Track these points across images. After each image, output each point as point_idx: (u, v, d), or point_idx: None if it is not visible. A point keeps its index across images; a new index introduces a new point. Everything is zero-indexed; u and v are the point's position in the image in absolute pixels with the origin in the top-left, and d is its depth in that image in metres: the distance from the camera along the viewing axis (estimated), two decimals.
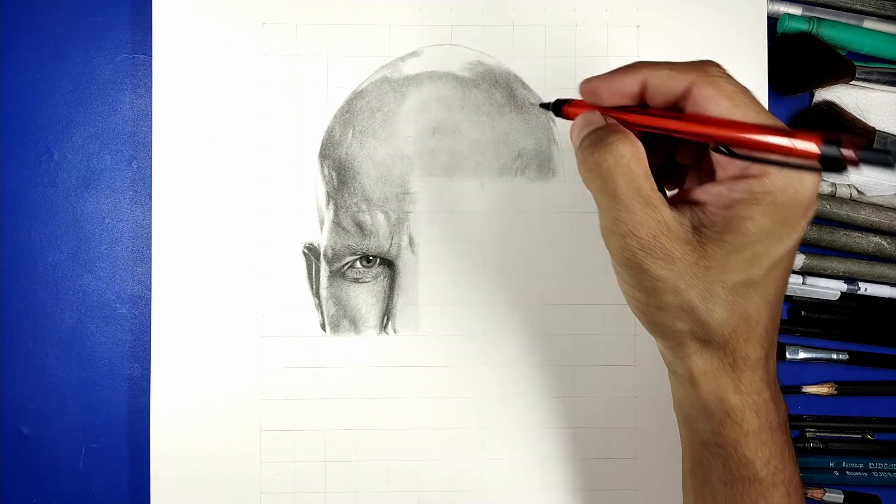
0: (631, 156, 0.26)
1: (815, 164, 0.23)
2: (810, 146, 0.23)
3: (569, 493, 0.42)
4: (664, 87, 0.27)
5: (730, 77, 0.27)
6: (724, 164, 0.27)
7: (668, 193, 0.30)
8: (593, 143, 0.27)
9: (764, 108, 0.26)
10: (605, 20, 0.42)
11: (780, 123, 0.26)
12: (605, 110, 0.29)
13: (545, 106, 0.32)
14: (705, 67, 0.27)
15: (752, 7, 0.43)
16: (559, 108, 0.31)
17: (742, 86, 0.27)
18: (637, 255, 0.26)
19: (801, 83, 0.43)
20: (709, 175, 0.28)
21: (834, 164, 0.22)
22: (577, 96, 0.31)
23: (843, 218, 0.43)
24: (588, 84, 0.29)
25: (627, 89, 0.28)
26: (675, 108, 0.28)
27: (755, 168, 0.25)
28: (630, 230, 0.26)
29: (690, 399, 0.29)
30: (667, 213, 0.26)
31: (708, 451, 0.29)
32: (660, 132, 0.28)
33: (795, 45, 0.42)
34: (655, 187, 0.27)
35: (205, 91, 0.42)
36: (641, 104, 0.29)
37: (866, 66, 0.43)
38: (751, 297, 0.27)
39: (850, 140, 0.22)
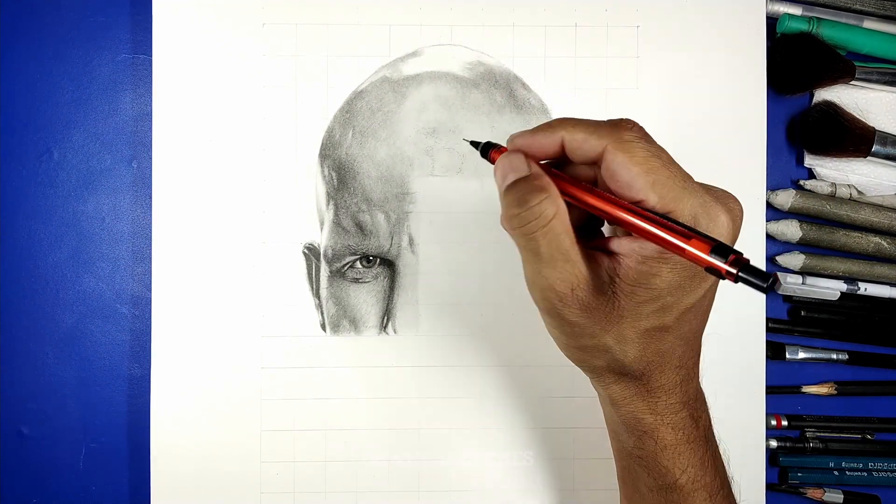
0: (553, 216, 0.27)
1: (702, 265, 0.25)
2: (698, 253, 0.24)
3: (568, 493, 0.42)
4: (580, 150, 0.28)
5: (644, 140, 0.27)
6: None
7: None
8: (518, 201, 0.28)
9: (679, 171, 0.27)
10: (605, 20, 0.42)
11: (679, 184, 0.26)
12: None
13: (474, 144, 0.33)
14: (619, 131, 0.27)
15: (752, 7, 0.43)
16: (487, 151, 0.32)
17: (656, 148, 0.27)
18: (556, 305, 0.28)
19: (800, 83, 0.43)
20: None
21: (715, 272, 0.24)
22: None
23: (843, 218, 0.43)
24: (514, 141, 0.30)
25: (549, 147, 0.29)
26: (594, 165, 0.29)
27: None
28: (550, 284, 0.28)
29: (613, 418, 0.32)
30: (583, 268, 0.28)
31: (633, 462, 0.32)
32: (570, 199, 0.28)
33: (795, 45, 0.42)
34: (575, 241, 0.28)
35: (205, 91, 0.42)
36: (565, 159, 0.30)
37: (866, 66, 0.43)
38: (664, 338, 0.29)
39: (736, 258, 0.23)
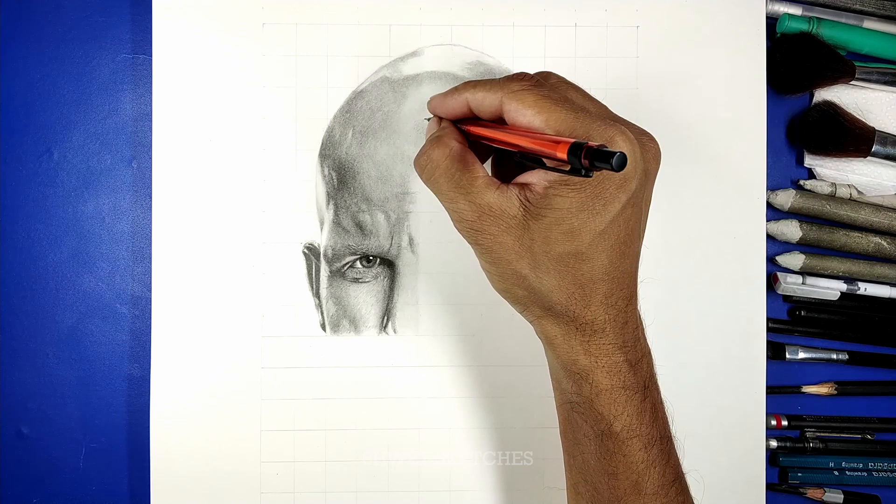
0: (444, 157, 0.31)
1: (566, 166, 0.27)
2: (560, 154, 0.27)
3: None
4: (482, 107, 0.31)
5: (535, 86, 0.30)
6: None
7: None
8: (419, 153, 0.32)
9: (571, 105, 0.29)
10: (605, 20, 0.42)
11: (572, 117, 0.29)
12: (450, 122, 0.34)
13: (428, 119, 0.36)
14: (509, 84, 0.30)
15: (752, 7, 0.43)
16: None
17: (548, 91, 0.30)
18: (471, 234, 0.31)
19: (800, 83, 0.43)
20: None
21: (576, 168, 0.26)
22: None
23: (843, 218, 0.43)
24: (430, 103, 0.35)
25: (458, 108, 0.33)
26: (502, 118, 0.31)
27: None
28: (460, 216, 0.31)
29: (553, 362, 0.33)
30: (490, 196, 0.30)
31: (573, 411, 0.32)
32: (479, 139, 0.32)
33: (795, 45, 0.42)
34: (477, 175, 0.31)
35: (205, 91, 0.42)
36: (475, 117, 0.33)
37: (866, 66, 0.43)
38: (579, 266, 0.30)
39: (588, 148, 0.25)
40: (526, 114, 0.29)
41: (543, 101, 0.29)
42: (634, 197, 0.29)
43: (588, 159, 0.25)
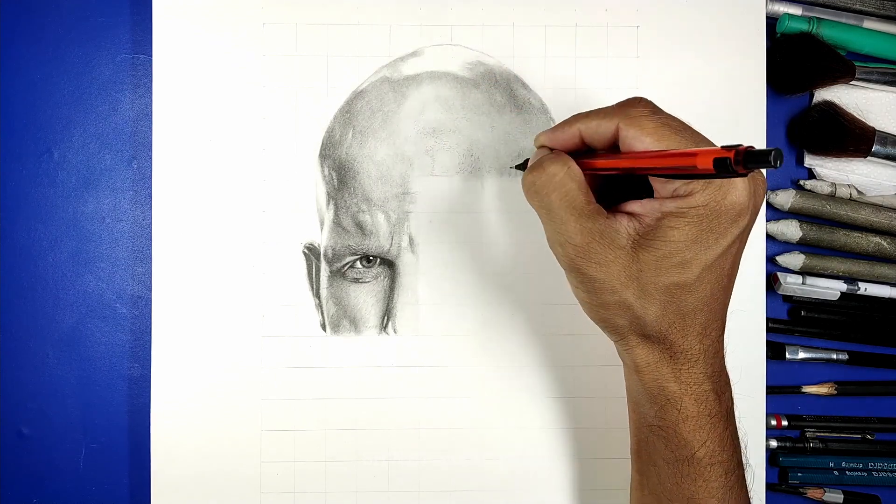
0: (562, 174, 0.30)
1: (713, 173, 0.26)
2: (706, 166, 0.26)
3: (568, 493, 0.42)
4: (597, 135, 0.31)
5: (652, 113, 0.30)
6: (658, 186, 0.30)
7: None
8: (530, 168, 0.32)
9: (689, 131, 0.29)
10: (605, 20, 0.42)
11: (692, 145, 0.28)
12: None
13: (519, 167, 0.37)
14: (627, 109, 0.30)
15: (752, 7, 0.43)
16: (525, 166, 0.35)
17: (666, 119, 0.29)
18: (575, 260, 0.30)
19: (800, 83, 0.43)
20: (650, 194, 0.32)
21: (729, 173, 0.25)
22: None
23: (843, 218, 0.43)
24: (538, 139, 0.34)
25: (569, 141, 0.32)
26: (616, 147, 0.31)
27: (684, 189, 0.29)
28: (566, 239, 0.30)
29: (637, 386, 0.32)
30: (601, 222, 0.30)
31: (652, 434, 0.32)
32: (597, 171, 0.32)
33: (795, 45, 0.42)
34: (590, 199, 0.30)
35: (205, 91, 0.42)
36: (587, 149, 0.32)
37: (866, 66, 0.43)
38: (684, 297, 0.30)
39: (738, 152, 0.25)
40: (644, 141, 0.29)
41: (663, 128, 0.29)
42: (744, 231, 0.29)
43: (742, 162, 0.24)
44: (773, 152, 0.23)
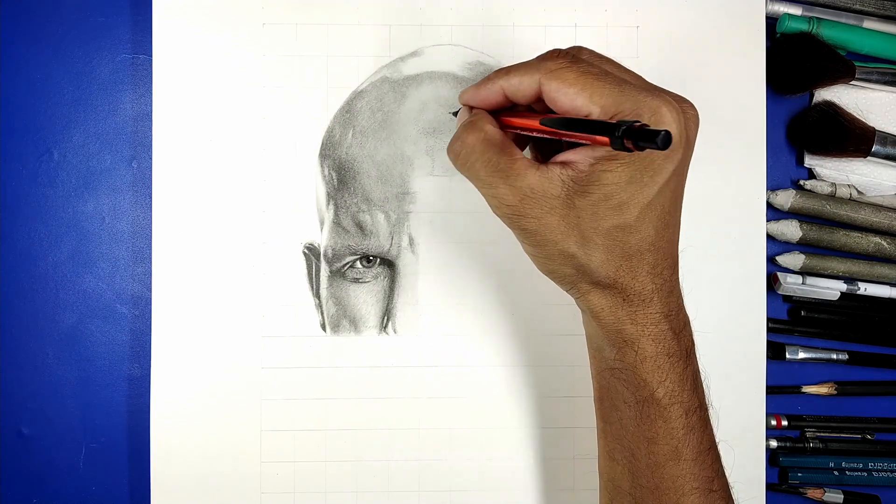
0: (480, 142, 0.31)
1: (610, 146, 0.26)
2: (603, 138, 0.26)
3: (569, 493, 0.42)
4: (520, 92, 0.31)
5: (572, 63, 0.29)
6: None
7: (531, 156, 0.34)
8: (453, 139, 0.32)
9: (614, 79, 0.29)
10: (605, 20, 0.42)
11: (616, 89, 0.28)
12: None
13: (455, 114, 0.36)
14: (546, 63, 0.30)
15: (752, 7, 0.43)
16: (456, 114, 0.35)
17: (586, 67, 0.29)
18: (512, 219, 0.30)
19: (800, 83, 0.43)
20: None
21: (622, 146, 0.25)
22: None
23: (843, 218, 0.43)
24: (463, 96, 0.34)
25: (493, 98, 0.32)
26: (541, 101, 0.31)
27: None
28: (500, 201, 0.30)
29: (595, 332, 0.33)
30: (531, 178, 0.30)
31: (613, 377, 0.32)
32: (517, 130, 0.32)
33: (795, 45, 0.42)
34: (515, 158, 0.30)
35: (205, 91, 0.42)
36: (511, 105, 0.32)
37: (866, 66, 0.43)
38: (627, 239, 0.30)
39: (631, 129, 0.25)
40: (568, 92, 0.29)
41: (584, 77, 0.29)
42: (679, 166, 0.30)
43: (632, 140, 0.25)
44: (662, 133, 0.24)
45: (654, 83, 0.31)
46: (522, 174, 0.30)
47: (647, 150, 0.27)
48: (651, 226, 0.30)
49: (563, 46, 0.32)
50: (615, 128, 0.25)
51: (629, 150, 0.25)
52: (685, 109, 0.30)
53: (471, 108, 0.34)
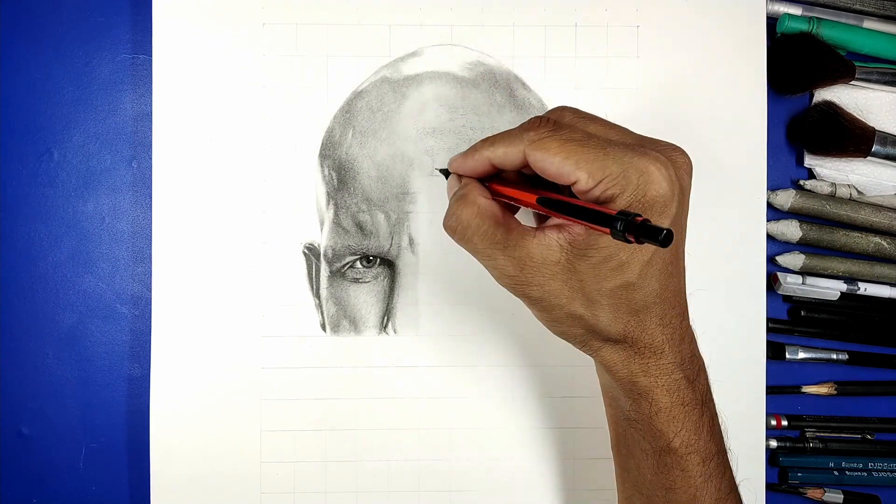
0: (475, 218, 0.30)
1: (610, 236, 0.26)
2: (604, 228, 0.26)
3: (568, 493, 0.42)
4: (506, 161, 0.31)
5: (553, 131, 0.29)
6: (580, 196, 0.29)
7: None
8: (447, 214, 0.32)
9: (597, 143, 0.28)
10: (605, 20, 0.42)
11: (601, 153, 0.28)
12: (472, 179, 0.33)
13: (443, 171, 0.36)
14: (527, 134, 0.29)
15: (752, 7, 0.43)
16: (447, 174, 0.35)
17: (569, 132, 0.29)
18: (516, 288, 0.31)
19: (800, 83, 0.43)
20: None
21: (623, 238, 0.25)
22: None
23: (843, 218, 0.43)
24: (452, 164, 0.34)
25: (480, 167, 0.32)
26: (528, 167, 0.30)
27: (603, 196, 0.28)
28: (501, 272, 0.31)
29: (610, 383, 0.33)
30: (529, 247, 0.30)
31: (630, 427, 0.32)
32: (508, 201, 0.31)
33: (795, 45, 0.42)
34: (511, 228, 0.30)
35: (205, 91, 0.42)
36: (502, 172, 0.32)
37: (866, 66, 0.43)
38: (632, 296, 0.29)
39: (634, 226, 0.24)
40: (553, 161, 0.28)
41: (568, 144, 0.28)
42: (676, 218, 0.29)
43: (633, 234, 0.24)
44: (664, 232, 0.23)
45: (645, 137, 0.31)
46: (520, 244, 0.30)
47: (637, 207, 0.27)
48: (655, 280, 0.30)
49: (548, 109, 0.31)
50: (615, 220, 0.25)
51: (629, 242, 0.25)
52: (675, 159, 0.30)
53: (459, 176, 0.34)
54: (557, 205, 0.29)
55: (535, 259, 0.29)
